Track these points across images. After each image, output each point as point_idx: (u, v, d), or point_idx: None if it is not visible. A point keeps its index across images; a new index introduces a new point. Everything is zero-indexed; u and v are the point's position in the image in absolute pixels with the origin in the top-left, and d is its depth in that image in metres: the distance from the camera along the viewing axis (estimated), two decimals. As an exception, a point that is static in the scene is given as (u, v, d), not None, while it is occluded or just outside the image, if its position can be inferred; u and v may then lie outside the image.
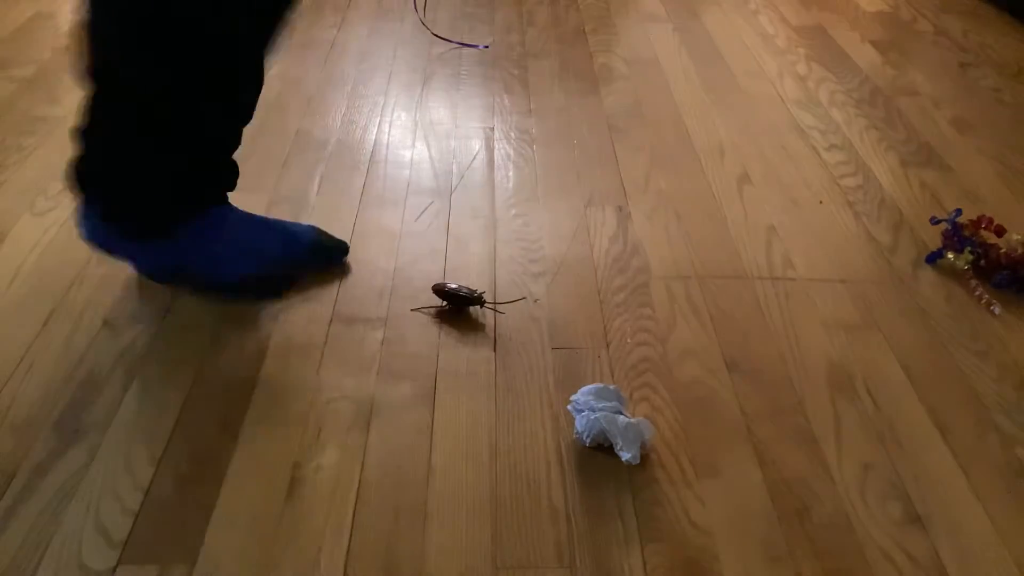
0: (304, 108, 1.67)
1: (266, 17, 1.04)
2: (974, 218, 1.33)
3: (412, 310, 1.15)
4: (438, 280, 1.22)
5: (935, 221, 1.35)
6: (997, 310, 1.19)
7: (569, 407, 0.99)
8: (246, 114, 1.13)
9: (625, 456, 0.93)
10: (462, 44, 1.96)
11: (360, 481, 0.93)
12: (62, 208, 1.35)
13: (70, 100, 1.68)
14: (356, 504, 0.90)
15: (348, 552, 0.86)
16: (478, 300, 1.14)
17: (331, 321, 1.15)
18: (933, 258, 1.28)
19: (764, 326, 1.16)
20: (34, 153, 1.50)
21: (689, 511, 0.91)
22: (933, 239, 1.33)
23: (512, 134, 1.60)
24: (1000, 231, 1.31)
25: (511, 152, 1.55)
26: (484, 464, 0.95)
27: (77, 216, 1.12)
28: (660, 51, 1.94)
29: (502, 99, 1.73)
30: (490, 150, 1.55)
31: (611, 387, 0.99)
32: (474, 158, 1.53)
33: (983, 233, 1.31)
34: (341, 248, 1.25)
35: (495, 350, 1.11)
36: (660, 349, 1.11)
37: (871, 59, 1.92)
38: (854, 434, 1.00)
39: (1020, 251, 1.25)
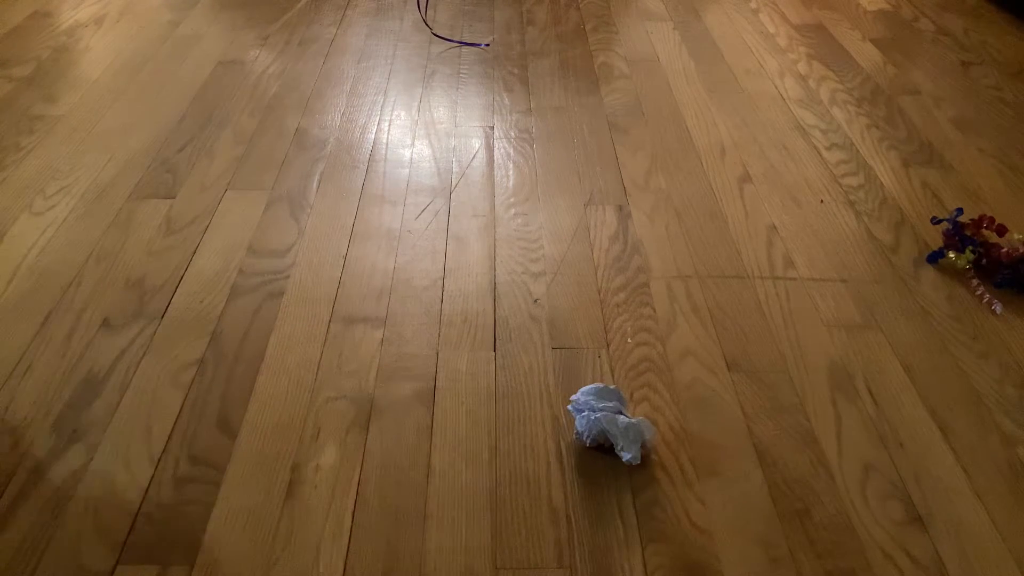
0: (303, 107, 1.67)
1: None
2: (975, 217, 1.33)
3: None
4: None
5: (936, 220, 1.35)
6: (999, 309, 1.19)
7: (569, 407, 0.99)
8: None
9: (625, 456, 0.93)
10: (462, 43, 1.96)
11: (360, 481, 0.93)
12: (61, 208, 1.35)
13: (68, 99, 1.68)
14: (356, 504, 0.90)
15: (348, 552, 0.86)
16: None
17: (330, 321, 1.14)
18: (934, 257, 1.28)
19: (765, 326, 1.16)
20: (32, 152, 1.50)
21: (689, 511, 0.90)
22: (934, 238, 1.33)
23: (512, 133, 1.60)
24: (1001, 230, 1.31)
25: (511, 151, 1.54)
26: (484, 464, 0.95)
27: None
28: (660, 50, 1.94)
29: (502, 98, 1.72)
30: (490, 149, 1.55)
31: (611, 387, 0.99)
32: (474, 157, 1.52)
33: (984, 232, 1.31)
34: None
35: (495, 350, 1.10)
36: (660, 349, 1.11)
37: (872, 58, 1.92)
38: (855, 434, 1.00)
39: (1021, 250, 1.25)
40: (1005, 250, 1.25)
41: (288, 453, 0.96)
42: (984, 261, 1.25)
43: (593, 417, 0.95)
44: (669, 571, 0.85)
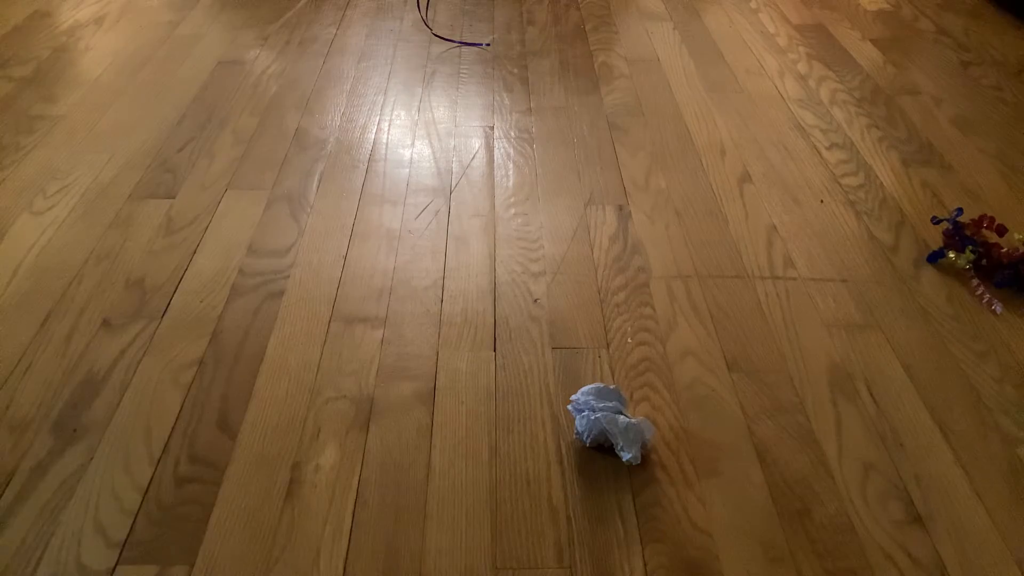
0: (303, 107, 1.67)
1: None
2: (975, 217, 1.33)
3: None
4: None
5: (936, 220, 1.35)
6: (999, 309, 1.19)
7: (569, 407, 0.99)
8: None
9: (626, 456, 0.93)
10: (462, 43, 1.96)
11: (360, 481, 0.93)
12: (61, 207, 1.35)
13: (68, 99, 1.68)
14: (356, 504, 0.90)
15: (348, 552, 0.86)
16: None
17: (330, 320, 1.14)
18: (934, 257, 1.28)
19: (765, 326, 1.16)
20: (32, 152, 1.50)
21: (689, 511, 0.90)
22: (934, 238, 1.33)
23: (512, 133, 1.60)
24: (1001, 230, 1.30)
25: (511, 151, 1.54)
26: (484, 464, 0.95)
27: None
28: (660, 50, 1.94)
29: (502, 98, 1.72)
30: (490, 149, 1.55)
31: (611, 387, 0.99)
32: (474, 157, 1.52)
33: (984, 232, 1.31)
34: None
35: (495, 350, 1.10)
36: (660, 349, 1.11)
37: (872, 58, 1.92)
38: (855, 434, 1.00)
39: (1021, 250, 1.25)
40: (1005, 250, 1.25)
41: (288, 453, 0.96)
42: (984, 261, 1.25)
43: (593, 417, 0.95)
44: (669, 571, 0.85)
